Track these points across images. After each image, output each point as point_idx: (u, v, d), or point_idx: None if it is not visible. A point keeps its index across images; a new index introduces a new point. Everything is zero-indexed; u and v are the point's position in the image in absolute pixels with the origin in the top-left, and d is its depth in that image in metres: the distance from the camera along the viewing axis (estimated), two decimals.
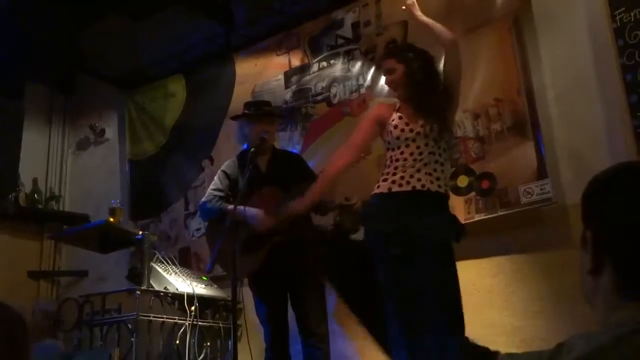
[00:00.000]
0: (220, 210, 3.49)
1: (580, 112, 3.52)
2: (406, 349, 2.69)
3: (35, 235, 5.38)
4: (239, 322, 3.68)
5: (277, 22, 4.79)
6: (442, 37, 3.07)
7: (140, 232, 4.09)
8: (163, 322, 3.74)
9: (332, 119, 4.36)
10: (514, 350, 3.13)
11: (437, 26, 3.10)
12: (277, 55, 4.78)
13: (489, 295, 3.54)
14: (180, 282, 3.86)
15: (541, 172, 3.51)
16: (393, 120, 3.00)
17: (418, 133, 2.94)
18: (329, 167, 3.17)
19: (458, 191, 3.67)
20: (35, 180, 5.41)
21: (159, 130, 5.33)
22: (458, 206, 3.56)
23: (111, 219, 4.27)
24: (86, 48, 5.19)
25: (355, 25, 4.43)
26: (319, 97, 4.46)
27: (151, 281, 3.77)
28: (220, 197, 3.54)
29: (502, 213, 3.57)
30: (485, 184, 3.66)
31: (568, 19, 3.65)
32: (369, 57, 4.31)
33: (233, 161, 3.66)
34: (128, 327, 3.56)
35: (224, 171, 3.63)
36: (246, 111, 3.66)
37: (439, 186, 2.90)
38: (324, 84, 4.47)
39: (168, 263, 4.04)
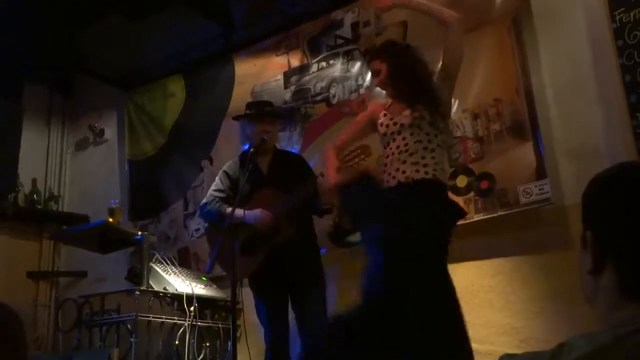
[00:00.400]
0: (218, 212, 3.48)
1: (580, 113, 3.52)
2: None
3: (35, 235, 5.37)
4: (238, 323, 3.68)
5: (277, 22, 4.79)
6: (444, 15, 3.04)
7: (140, 233, 4.09)
8: (162, 322, 3.74)
9: (332, 119, 4.36)
10: (514, 351, 3.13)
11: (436, 6, 3.09)
12: (277, 55, 4.78)
13: (489, 296, 3.54)
14: (179, 283, 3.86)
15: (540, 173, 3.51)
16: (380, 118, 3.03)
17: (402, 125, 2.92)
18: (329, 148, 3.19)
19: (457, 191, 3.67)
20: (34, 181, 5.41)
21: (158, 130, 5.32)
22: None
23: (110, 220, 4.27)
24: (85, 48, 5.18)
25: (354, 26, 4.43)
26: (318, 98, 4.47)
27: (150, 281, 3.77)
28: (221, 198, 3.53)
29: (501, 213, 3.57)
30: (484, 184, 3.67)
31: (567, 19, 3.66)
32: (368, 57, 4.31)
33: (234, 162, 3.66)
34: (127, 327, 3.56)
35: (225, 171, 3.63)
36: (247, 111, 3.67)
37: (426, 172, 2.81)
38: (323, 84, 4.47)
39: (167, 263, 4.04)
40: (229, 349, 3.83)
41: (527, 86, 3.66)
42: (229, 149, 4.81)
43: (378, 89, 4.16)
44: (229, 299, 3.56)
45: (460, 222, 3.00)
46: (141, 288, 3.67)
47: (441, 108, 2.97)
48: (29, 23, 4.76)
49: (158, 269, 3.90)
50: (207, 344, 3.87)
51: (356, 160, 3.09)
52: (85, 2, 4.66)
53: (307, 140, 4.42)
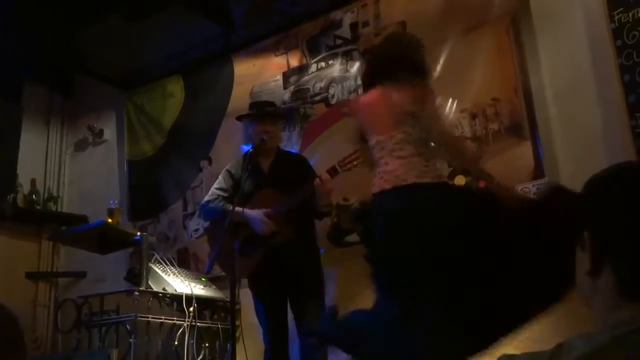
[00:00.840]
0: (222, 210, 3.46)
1: (578, 112, 3.52)
2: None
3: (34, 236, 5.37)
4: (237, 323, 3.68)
5: (276, 22, 4.79)
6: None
7: (139, 233, 4.08)
8: (161, 322, 3.73)
9: (331, 119, 4.37)
10: (512, 351, 3.13)
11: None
12: (276, 55, 4.78)
13: None
14: (178, 283, 3.86)
15: (538, 172, 3.52)
16: None
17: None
18: None
19: None
20: (33, 181, 5.41)
21: (158, 130, 5.32)
22: None
23: (109, 220, 4.27)
24: (85, 49, 5.18)
25: (353, 26, 4.43)
26: (317, 98, 4.47)
27: (150, 282, 3.77)
28: (224, 197, 3.54)
29: None
30: (482, 184, 3.66)
31: (566, 19, 3.66)
32: (367, 57, 4.31)
33: (238, 161, 3.66)
34: (126, 328, 3.55)
35: (228, 170, 3.63)
36: (250, 111, 3.67)
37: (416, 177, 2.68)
38: (322, 84, 4.47)
39: (166, 264, 4.04)
40: (228, 349, 3.83)
41: (525, 86, 3.66)
42: (228, 149, 4.81)
43: None
44: (228, 299, 3.56)
45: None
46: (140, 288, 3.66)
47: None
48: (29, 23, 4.76)
49: (157, 269, 3.90)
50: (207, 345, 3.86)
51: (354, 163, 3.09)
52: (84, 3, 4.66)
53: (306, 141, 4.43)
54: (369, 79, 2.99)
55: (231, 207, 3.22)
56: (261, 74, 4.82)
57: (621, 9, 3.39)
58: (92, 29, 4.85)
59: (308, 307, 3.30)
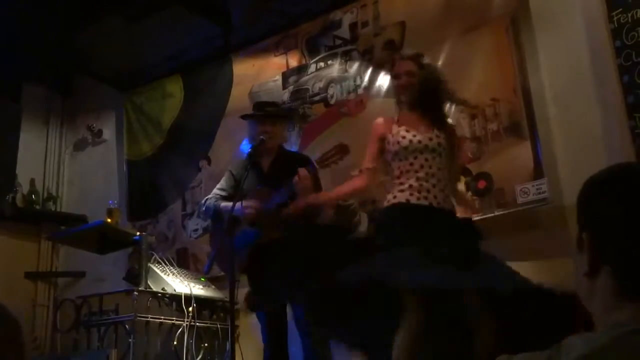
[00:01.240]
0: (215, 208, 3.53)
1: (577, 113, 3.53)
2: None
3: (33, 236, 5.37)
4: (236, 323, 3.68)
5: (275, 22, 4.79)
6: None
7: (138, 233, 4.08)
8: (161, 322, 3.73)
9: (330, 119, 4.37)
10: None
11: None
12: (275, 55, 4.78)
13: None
14: (177, 283, 3.86)
15: (538, 172, 3.52)
16: (398, 132, 2.96)
17: (426, 145, 2.90)
18: (343, 187, 3.16)
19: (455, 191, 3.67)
20: (32, 181, 5.41)
21: (157, 130, 5.32)
22: None
23: (109, 220, 4.27)
24: (84, 49, 5.18)
25: (352, 26, 4.44)
26: (317, 98, 4.47)
27: (149, 282, 3.77)
28: (222, 196, 3.56)
29: (498, 213, 3.58)
30: (481, 184, 3.67)
31: (565, 19, 3.66)
32: (367, 57, 4.32)
33: (240, 161, 3.69)
34: (126, 328, 3.55)
35: (229, 171, 3.66)
36: (252, 112, 3.69)
37: (452, 205, 2.93)
38: (321, 84, 4.47)
39: (166, 264, 4.04)
40: (227, 349, 3.83)
41: (524, 86, 3.66)
42: (227, 149, 4.81)
43: (376, 89, 4.19)
44: (227, 299, 3.55)
45: None
46: (139, 288, 3.66)
47: (453, 139, 3.00)
48: (28, 23, 4.76)
49: (156, 269, 3.90)
50: (206, 345, 3.86)
51: (334, 159, 3.12)
52: (84, 3, 4.66)
53: (305, 141, 4.43)
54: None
55: (224, 204, 3.26)
56: (260, 74, 4.82)
57: (620, 9, 3.40)
58: (91, 28, 4.85)
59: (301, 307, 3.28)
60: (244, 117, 3.71)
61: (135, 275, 3.75)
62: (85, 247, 4.46)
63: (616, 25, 3.40)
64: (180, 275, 4.00)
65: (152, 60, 5.30)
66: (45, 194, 5.53)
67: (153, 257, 3.98)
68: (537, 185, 3.49)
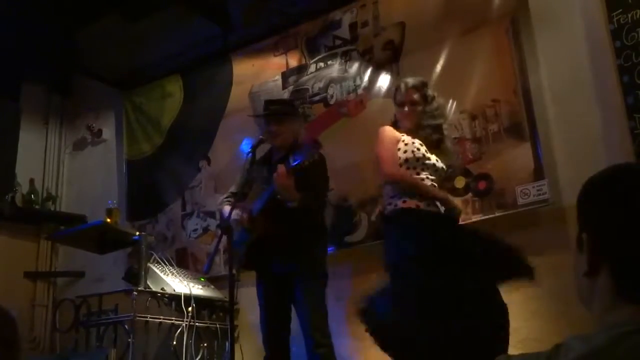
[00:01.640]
0: (220, 211, 3.61)
1: (577, 113, 3.53)
2: None
3: (32, 235, 5.37)
4: (236, 323, 3.68)
5: (275, 22, 4.79)
6: None
7: (137, 233, 4.08)
8: (160, 322, 3.73)
9: (330, 119, 4.37)
10: (511, 352, 3.13)
11: None
12: (275, 55, 4.78)
13: None
14: (177, 283, 3.86)
15: (538, 173, 3.52)
16: (413, 142, 3.15)
17: (434, 165, 3.15)
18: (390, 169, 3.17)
19: (455, 192, 3.67)
20: (32, 181, 5.40)
21: (156, 130, 5.32)
22: None
23: (108, 220, 4.26)
24: (83, 48, 5.18)
25: (352, 26, 4.44)
26: (316, 98, 4.47)
27: (148, 282, 3.77)
28: (227, 197, 3.60)
29: (498, 214, 3.58)
30: (482, 185, 3.67)
31: (565, 20, 3.66)
32: (366, 58, 4.32)
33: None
34: (125, 327, 3.55)
35: (247, 169, 3.59)
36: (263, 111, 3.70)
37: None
38: (321, 84, 4.47)
39: (165, 264, 4.04)
40: (226, 349, 3.83)
41: (525, 87, 3.66)
42: (227, 149, 4.81)
43: (376, 89, 4.20)
44: (226, 299, 3.55)
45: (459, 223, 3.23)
46: (139, 288, 3.66)
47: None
48: (27, 23, 4.76)
49: (156, 269, 3.90)
50: (205, 345, 3.86)
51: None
52: (83, 3, 4.66)
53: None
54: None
55: (226, 207, 3.36)
56: (260, 74, 4.82)
57: (620, 10, 3.40)
58: (90, 28, 4.85)
59: (310, 306, 3.27)
60: (251, 116, 3.73)
61: (135, 275, 3.75)
62: (84, 246, 4.46)
63: (616, 26, 3.40)
64: (180, 275, 4.00)
65: (152, 60, 5.30)
66: (45, 194, 5.53)
67: (152, 257, 3.97)
68: (537, 186, 3.49)
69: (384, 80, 4.19)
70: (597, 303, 0.95)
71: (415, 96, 3.21)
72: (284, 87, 4.66)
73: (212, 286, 4.17)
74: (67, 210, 5.59)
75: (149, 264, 3.86)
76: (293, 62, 4.68)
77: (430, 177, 3.12)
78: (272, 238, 3.29)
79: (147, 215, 5.14)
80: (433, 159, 3.15)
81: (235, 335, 3.66)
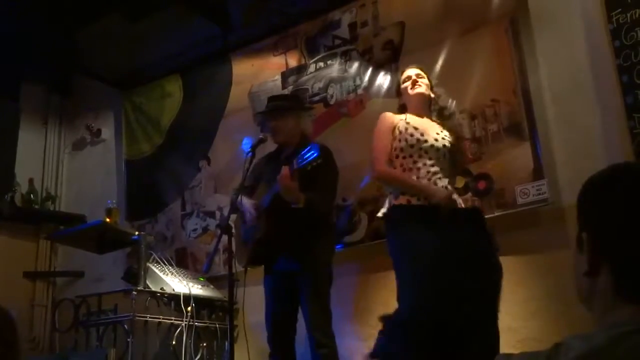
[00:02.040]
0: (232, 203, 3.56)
1: (577, 113, 3.53)
2: None
3: (31, 235, 5.36)
4: (235, 323, 3.68)
5: (274, 22, 4.79)
6: None
7: (137, 233, 4.08)
8: (159, 322, 3.73)
9: (329, 119, 4.37)
10: (511, 351, 3.13)
11: None
12: (274, 55, 4.78)
13: None
14: (176, 283, 3.86)
15: (537, 173, 3.52)
16: (406, 128, 3.05)
17: (432, 146, 3.02)
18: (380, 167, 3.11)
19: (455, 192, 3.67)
20: (31, 181, 5.40)
21: (156, 130, 5.32)
22: None
23: (107, 220, 4.26)
24: (83, 48, 5.17)
25: (352, 26, 4.44)
26: (316, 98, 4.47)
27: (147, 282, 3.77)
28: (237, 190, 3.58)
29: (498, 214, 3.57)
30: (481, 185, 3.67)
31: (565, 20, 3.66)
32: (366, 57, 4.32)
33: (261, 158, 3.63)
34: (124, 327, 3.55)
35: (247, 168, 3.55)
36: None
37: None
38: (321, 84, 4.47)
39: (164, 263, 4.04)
40: (226, 349, 3.83)
41: (524, 87, 3.66)
42: (226, 148, 4.81)
43: (376, 89, 4.19)
44: (226, 299, 3.55)
45: None
46: (138, 288, 3.66)
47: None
48: (27, 23, 4.76)
49: (155, 269, 3.90)
50: (205, 344, 3.87)
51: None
52: (83, 2, 4.66)
53: None
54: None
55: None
56: (260, 73, 4.82)
57: (619, 9, 3.40)
58: (90, 28, 4.85)
59: (313, 306, 3.26)
60: (258, 114, 3.74)
61: (134, 274, 3.75)
62: (84, 246, 4.46)
63: (615, 26, 3.40)
64: (179, 275, 4.00)
65: (152, 59, 5.30)
66: (44, 194, 5.52)
67: (152, 257, 3.97)
68: (537, 186, 3.49)
69: (383, 80, 4.19)
70: (597, 303, 0.95)
71: (415, 73, 3.19)
72: (284, 87, 4.66)
73: (212, 286, 4.17)
74: (66, 210, 5.59)
75: (148, 264, 3.86)
76: (293, 62, 4.68)
77: (429, 161, 2.99)
78: (277, 236, 3.29)
79: (147, 215, 5.14)
80: (431, 138, 3.03)
81: (235, 335, 3.66)
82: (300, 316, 3.36)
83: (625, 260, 0.92)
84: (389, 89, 4.13)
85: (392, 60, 4.19)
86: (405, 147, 3.01)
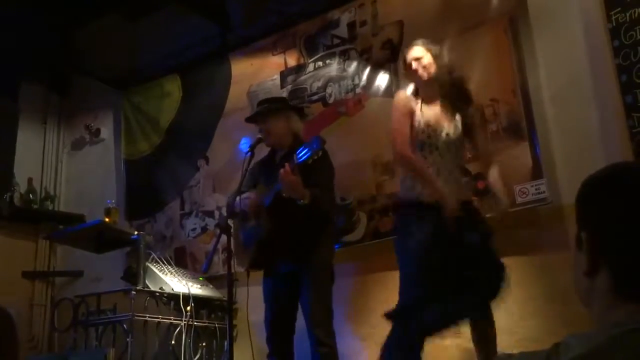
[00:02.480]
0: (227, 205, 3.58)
1: (576, 113, 3.53)
2: None
3: (30, 235, 5.36)
4: (235, 322, 3.68)
5: (273, 22, 4.79)
6: None
7: (136, 232, 4.08)
8: (159, 322, 3.73)
9: (328, 118, 4.37)
10: (510, 351, 3.14)
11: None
12: (273, 55, 4.78)
13: None
14: (175, 282, 3.86)
15: (536, 172, 3.52)
16: (419, 122, 3.03)
17: (444, 141, 3.02)
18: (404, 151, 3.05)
19: None
20: (30, 180, 5.40)
21: (155, 130, 5.32)
22: None
23: (106, 219, 4.26)
24: (82, 48, 5.18)
25: (351, 25, 4.44)
26: (315, 97, 4.47)
27: (147, 281, 3.77)
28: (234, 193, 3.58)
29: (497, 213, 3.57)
30: (481, 185, 3.66)
31: (564, 19, 3.66)
32: (365, 57, 4.32)
33: (259, 160, 3.62)
34: (123, 327, 3.55)
35: (247, 169, 3.54)
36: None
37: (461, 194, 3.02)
38: (319, 83, 4.47)
39: (164, 263, 4.04)
40: (225, 348, 3.83)
41: (523, 86, 3.66)
42: (225, 148, 4.81)
43: (374, 88, 4.19)
44: (225, 298, 3.55)
45: None
46: (137, 288, 3.66)
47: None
48: (26, 22, 4.75)
49: (154, 268, 3.89)
50: (204, 344, 3.86)
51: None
52: (81, 2, 4.65)
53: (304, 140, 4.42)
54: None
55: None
56: (258, 73, 4.82)
57: (618, 9, 3.40)
58: (89, 27, 4.85)
59: (314, 305, 3.25)
60: (246, 120, 3.73)
61: (133, 274, 3.75)
62: (83, 246, 4.45)
63: (614, 25, 3.40)
64: (178, 275, 3.99)
65: (150, 59, 5.30)
66: (43, 193, 5.52)
67: (151, 257, 3.97)
68: (536, 185, 3.49)
69: (382, 80, 4.19)
70: (597, 302, 0.95)
71: (412, 58, 3.12)
72: (283, 86, 4.66)
73: (211, 285, 4.16)
74: (65, 209, 5.59)
75: (147, 264, 3.86)
76: (291, 61, 4.67)
77: (439, 158, 2.99)
78: (278, 237, 3.28)
79: (146, 215, 5.14)
80: (443, 133, 3.01)
81: (234, 334, 3.66)
82: (299, 315, 3.36)
83: (624, 260, 0.92)
84: (387, 88, 4.13)
85: (391, 60, 4.19)
86: (417, 142, 3.01)
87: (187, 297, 3.76)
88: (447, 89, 3.08)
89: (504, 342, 3.32)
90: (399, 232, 3.06)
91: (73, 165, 5.79)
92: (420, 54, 3.11)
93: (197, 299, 3.84)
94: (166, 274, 3.91)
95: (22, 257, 5.28)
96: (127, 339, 3.49)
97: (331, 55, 4.48)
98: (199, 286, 4.00)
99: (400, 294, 2.90)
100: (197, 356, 3.77)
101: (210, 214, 4.77)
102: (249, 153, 3.34)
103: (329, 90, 4.41)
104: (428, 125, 3.01)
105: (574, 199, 1.03)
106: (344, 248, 4.01)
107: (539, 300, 3.39)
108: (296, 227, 3.25)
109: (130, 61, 5.35)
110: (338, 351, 3.24)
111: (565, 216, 3.32)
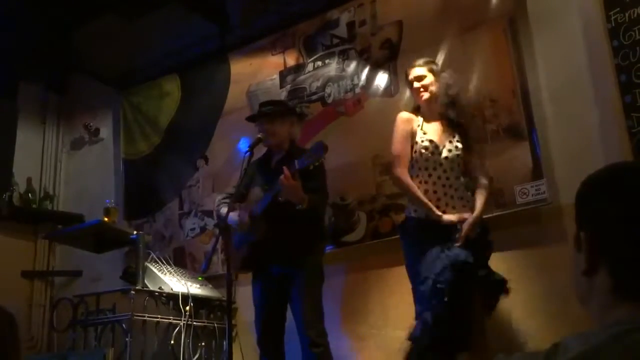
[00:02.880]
0: (217, 214, 3.62)
1: (575, 113, 3.53)
2: None
3: (29, 235, 5.36)
4: (234, 322, 3.68)
5: (272, 21, 4.79)
6: None
7: (135, 232, 4.08)
8: (158, 322, 3.73)
9: (327, 118, 4.37)
10: (508, 351, 3.13)
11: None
12: (272, 54, 4.78)
13: None
14: (174, 282, 3.86)
15: (536, 173, 3.52)
16: (422, 140, 3.11)
17: (446, 158, 3.09)
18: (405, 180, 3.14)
19: None
20: (29, 180, 5.39)
21: (154, 129, 5.32)
22: None
23: (105, 219, 4.26)
24: (81, 47, 5.17)
25: (350, 25, 4.43)
26: (314, 97, 4.46)
27: (146, 281, 3.77)
28: (225, 200, 3.60)
29: (497, 213, 3.57)
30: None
31: (563, 19, 3.66)
32: (364, 57, 4.32)
33: (254, 160, 3.62)
34: (122, 327, 3.55)
35: (245, 169, 3.56)
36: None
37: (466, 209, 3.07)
38: (318, 83, 4.47)
39: (163, 263, 4.04)
40: (224, 348, 3.83)
41: (523, 86, 3.66)
42: (224, 148, 4.81)
43: (373, 88, 4.19)
44: (224, 298, 3.55)
45: None
46: (136, 287, 3.66)
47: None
48: (25, 22, 4.75)
49: (153, 268, 3.89)
50: (203, 344, 3.86)
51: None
52: (80, 2, 4.65)
53: (302, 140, 4.41)
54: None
55: (223, 210, 3.41)
56: (258, 73, 4.82)
57: (617, 9, 3.40)
58: (88, 27, 4.85)
59: (305, 306, 3.26)
60: (248, 119, 3.73)
61: (132, 274, 3.75)
62: (82, 246, 4.46)
63: (613, 25, 3.40)
64: (177, 274, 3.99)
65: (150, 59, 5.30)
66: (42, 193, 5.52)
67: (150, 256, 3.97)
68: (536, 185, 3.49)
69: (381, 79, 4.19)
70: (596, 302, 0.95)
71: (414, 76, 3.19)
72: (282, 86, 4.65)
73: (210, 285, 4.16)
74: (64, 209, 5.59)
75: (146, 263, 3.86)
76: (291, 61, 4.67)
77: (443, 174, 3.08)
78: (272, 240, 3.28)
79: (145, 215, 5.14)
80: (445, 150, 3.10)
81: (233, 334, 3.66)
82: (289, 316, 3.38)
83: (623, 259, 0.92)
84: (386, 88, 4.13)
85: (390, 60, 4.19)
86: (420, 160, 3.10)
87: (186, 297, 3.76)
88: (445, 109, 3.18)
89: (504, 342, 3.32)
90: (405, 255, 3.14)
91: (72, 165, 5.78)
92: (421, 73, 3.20)
93: (196, 298, 3.84)
94: (165, 274, 3.91)
95: (21, 256, 5.28)
96: (126, 339, 3.49)
97: (330, 55, 4.48)
98: (198, 286, 4.00)
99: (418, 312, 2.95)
100: (196, 356, 3.77)
101: (209, 213, 4.77)
102: (248, 153, 3.35)
103: (328, 90, 4.41)
104: (430, 141, 3.10)
105: (574, 199, 1.03)
106: (343, 248, 4.01)
107: (539, 300, 3.39)
108: (291, 231, 3.26)
109: (130, 61, 5.34)
110: (338, 351, 3.24)
111: (565, 216, 3.32)
